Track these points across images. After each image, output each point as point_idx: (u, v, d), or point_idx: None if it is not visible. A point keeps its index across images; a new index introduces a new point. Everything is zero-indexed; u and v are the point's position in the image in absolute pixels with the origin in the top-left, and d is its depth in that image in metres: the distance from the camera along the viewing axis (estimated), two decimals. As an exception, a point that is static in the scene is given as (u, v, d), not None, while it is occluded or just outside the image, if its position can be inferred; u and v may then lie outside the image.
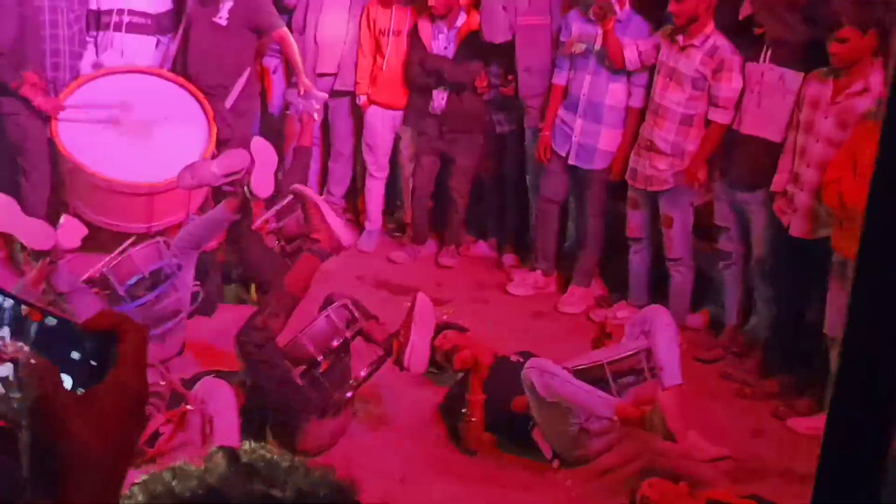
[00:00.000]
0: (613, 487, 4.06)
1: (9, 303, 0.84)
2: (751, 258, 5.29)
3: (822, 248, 4.68)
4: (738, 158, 5.15)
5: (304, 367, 4.30)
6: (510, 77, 6.10)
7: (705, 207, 5.60)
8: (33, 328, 0.85)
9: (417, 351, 4.20)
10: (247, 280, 5.35)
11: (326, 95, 6.29)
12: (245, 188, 4.77)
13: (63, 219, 4.51)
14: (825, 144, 4.68)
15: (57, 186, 5.78)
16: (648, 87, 5.55)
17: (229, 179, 4.80)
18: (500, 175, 6.52)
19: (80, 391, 0.84)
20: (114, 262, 4.68)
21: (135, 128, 5.82)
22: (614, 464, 4.24)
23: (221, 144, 5.95)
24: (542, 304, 6.03)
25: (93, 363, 0.86)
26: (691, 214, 5.54)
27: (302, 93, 6.06)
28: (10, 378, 0.82)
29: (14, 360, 0.82)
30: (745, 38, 5.18)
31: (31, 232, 4.37)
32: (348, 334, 4.31)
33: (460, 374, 4.65)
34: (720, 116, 5.19)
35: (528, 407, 4.23)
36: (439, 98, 6.16)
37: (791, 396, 5.03)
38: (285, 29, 6.14)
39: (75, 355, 0.85)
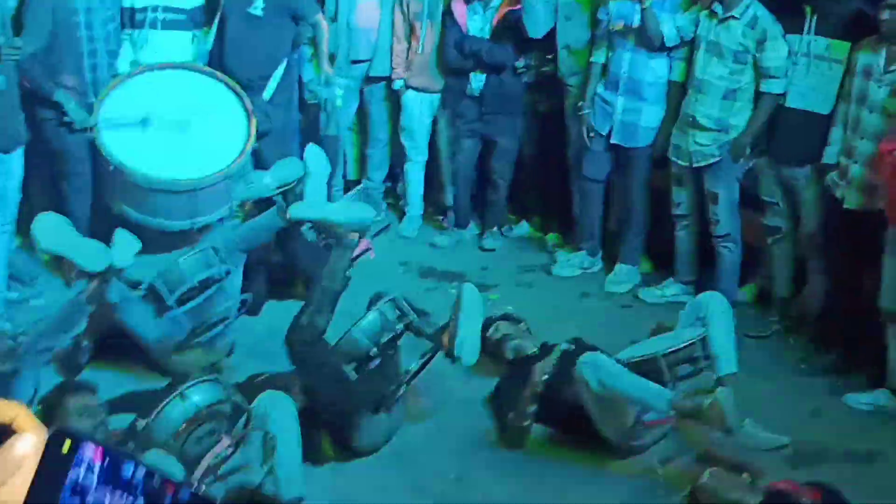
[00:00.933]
0: (673, 477, 4.03)
1: (140, 472, 0.82)
2: (799, 231, 5.20)
3: (877, 220, 4.57)
4: (784, 133, 5.05)
5: (355, 363, 4.29)
6: (549, 56, 6.02)
7: (751, 181, 5.50)
8: (167, 502, 0.83)
9: (467, 342, 4.17)
10: (293, 279, 5.35)
11: (347, 81, 6.22)
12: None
13: (116, 235, 4.49)
14: (880, 115, 4.56)
15: (99, 189, 5.79)
16: (689, 60, 5.44)
17: (283, 190, 4.79)
18: (541, 154, 6.46)
19: None
20: (163, 271, 4.70)
21: (174, 125, 5.81)
22: (673, 453, 4.21)
23: (261, 137, 5.94)
24: (589, 285, 5.99)
25: None
26: (737, 190, 5.44)
27: (323, 80, 6.02)
28: None
29: None
30: (785, 9, 5.04)
31: (86, 254, 4.35)
32: (398, 328, 4.29)
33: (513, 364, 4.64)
34: (774, 87, 5.06)
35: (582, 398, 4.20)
36: (477, 80, 6.09)
37: (847, 371, 4.96)
38: (321, 15, 6.09)
39: None
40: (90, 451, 0.82)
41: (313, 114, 6.52)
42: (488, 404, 4.61)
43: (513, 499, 3.94)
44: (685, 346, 4.13)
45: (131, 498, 0.82)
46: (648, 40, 5.43)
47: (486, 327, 4.58)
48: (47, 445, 0.82)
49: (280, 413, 3.62)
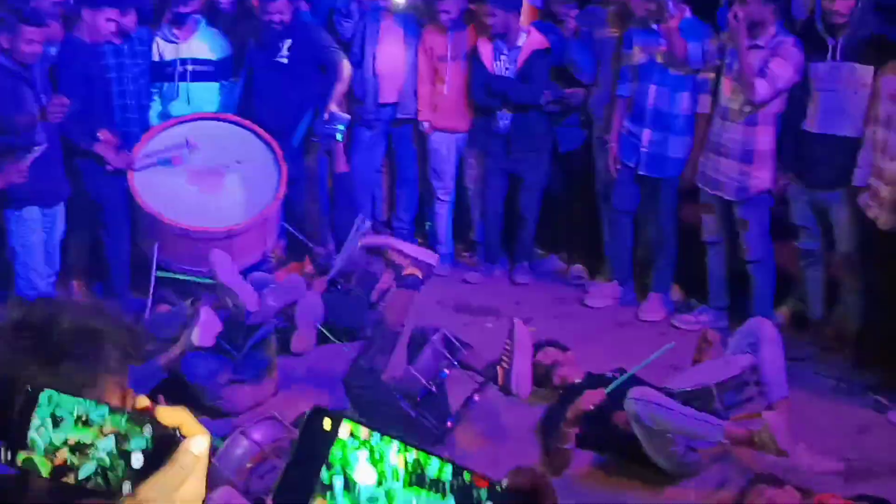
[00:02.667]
0: (728, 500, 4.06)
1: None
2: (834, 253, 5.28)
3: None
4: (815, 158, 5.13)
5: (410, 400, 4.32)
6: (570, 90, 6.14)
7: (780, 205, 5.59)
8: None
9: (523, 376, 4.22)
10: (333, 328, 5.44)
11: (349, 117, 6.30)
12: None
13: (202, 314, 4.56)
14: (908, 137, 4.66)
15: (137, 239, 5.87)
16: (714, 92, 5.55)
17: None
18: (567, 188, 6.55)
19: None
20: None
21: (208, 174, 5.92)
22: (727, 477, 4.24)
23: (292, 183, 6.04)
24: (623, 314, 6.05)
25: None
26: (767, 215, 5.53)
27: (326, 118, 6.12)
28: None
29: None
30: (808, 37, 5.15)
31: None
32: (455, 363, 4.33)
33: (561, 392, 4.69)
34: (761, 85, 5.13)
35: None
36: (504, 119, 6.20)
37: (888, 388, 5.01)
38: (346, 61, 6.20)
39: None
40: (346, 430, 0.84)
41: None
42: (537, 431, 4.65)
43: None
44: (737, 375, 4.17)
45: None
46: (671, 60, 5.53)
47: (534, 350, 4.64)
48: (307, 422, 0.85)
49: None
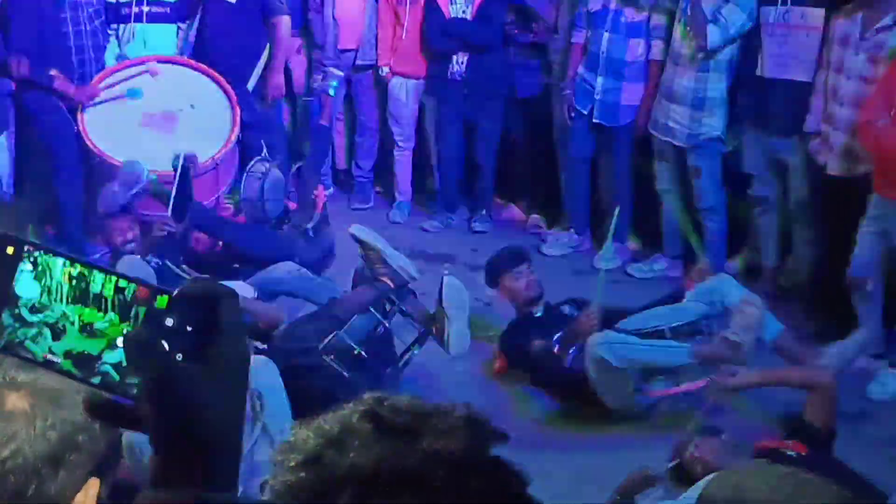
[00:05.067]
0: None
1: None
2: (786, 201, 5.28)
3: (861, 186, 4.65)
4: (768, 104, 5.11)
5: (345, 354, 4.28)
6: (534, 26, 6.09)
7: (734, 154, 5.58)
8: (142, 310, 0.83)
9: (456, 336, 4.23)
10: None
11: (342, 73, 6.25)
12: None
13: None
14: (857, 82, 4.64)
15: (90, 182, 5.81)
16: (667, 39, 5.52)
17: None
18: (526, 136, 6.52)
19: (179, 357, 0.81)
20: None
21: (161, 117, 5.85)
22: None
23: (246, 128, 5.99)
24: (579, 262, 6.04)
25: (188, 329, 0.82)
26: (719, 163, 5.52)
27: (320, 78, 6.12)
28: (123, 363, 0.82)
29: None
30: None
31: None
32: (385, 323, 4.35)
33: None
34: (712, 30, 5.12)
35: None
36: (458, 63, 6.13)
37: (836, 336, 5.02)
38: (285, 18, 6.05)
39: (169, 322, 0.82)
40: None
41: (301, 105, 6.58)
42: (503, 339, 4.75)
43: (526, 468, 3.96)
44: (692, 322, 4.28)
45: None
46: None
47: None
48: None
49: (262, 371, 3.60)
